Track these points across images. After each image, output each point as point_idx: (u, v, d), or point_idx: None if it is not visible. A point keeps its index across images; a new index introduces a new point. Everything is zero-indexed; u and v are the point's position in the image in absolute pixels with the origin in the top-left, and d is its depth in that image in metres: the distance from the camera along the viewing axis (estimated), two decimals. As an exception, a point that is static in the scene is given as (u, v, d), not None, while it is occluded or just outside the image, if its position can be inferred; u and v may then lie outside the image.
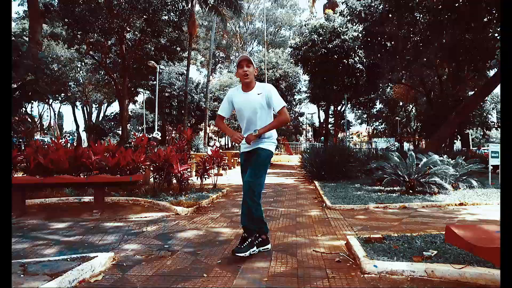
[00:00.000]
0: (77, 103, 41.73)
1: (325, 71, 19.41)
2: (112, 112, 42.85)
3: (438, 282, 2.50)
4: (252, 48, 60.80)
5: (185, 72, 34.52)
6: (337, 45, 18.56)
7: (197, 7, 26.44)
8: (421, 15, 11.72)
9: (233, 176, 11.84)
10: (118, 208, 5.77)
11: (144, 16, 19.94)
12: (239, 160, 3.55)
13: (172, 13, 21.34)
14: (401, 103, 41.23)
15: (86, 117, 43.40)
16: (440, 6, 10.73)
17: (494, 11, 10.68)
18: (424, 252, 3.01)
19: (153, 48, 24.37)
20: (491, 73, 19.69)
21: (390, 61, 15.09)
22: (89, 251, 3.37)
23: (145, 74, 27.12)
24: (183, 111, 31.36)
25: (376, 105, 44.38)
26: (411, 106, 41.16)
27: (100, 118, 42.97)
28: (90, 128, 38.72)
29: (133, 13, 19.88)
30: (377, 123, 52.71)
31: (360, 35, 16.96)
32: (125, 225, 4.70)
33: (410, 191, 7.29)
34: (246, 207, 3.25)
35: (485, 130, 23.07)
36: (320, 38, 19.42)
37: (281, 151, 28.11)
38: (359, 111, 47.06)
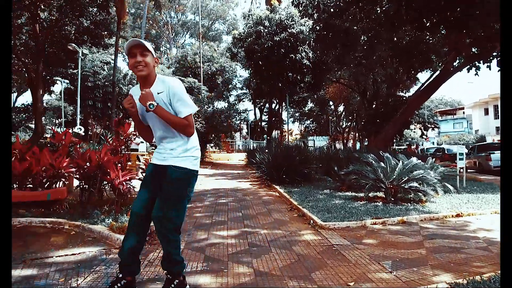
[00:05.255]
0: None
1: (270, 65, 18.40)
2: (23, 104, 37.55)
3: None
4: (185, 40, 58.42)
5: (111, 61, 31.27)
6: (284, 39, 17.66)
7: (127, -11, 23.80)
8: (380, 9, 11.22)
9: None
10: (29, 238, 3.94)
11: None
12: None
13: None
14: (331, 103, 42.32)
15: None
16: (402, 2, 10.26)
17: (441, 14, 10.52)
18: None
19: (73, 31, 21.25)
20: (422, 76, 20.48)
21: (342, 57, 14.56)
22: None
23: (63, 61, 23.64)
24: (109, 104, 28.25)
25: (308, 103, 45.17)
26: (341, 105, 42.42)
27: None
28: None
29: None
30: (309, 122, 53.92)
31: (308, 29, 16.21)
32: (40, 273, 2.98)
33: (392, 199, 6.44)
34: (165, 250, 2.48)
35: (423, 130, 24.10)
36: (266, 30, 18.37)
37: (220, 150, 26.67)
38: (292, 110, 47.50)
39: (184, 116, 2.38)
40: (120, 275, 2.48)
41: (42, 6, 18.57)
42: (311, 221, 4.94)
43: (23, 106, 36.94)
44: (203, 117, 19.69)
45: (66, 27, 20.57)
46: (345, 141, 43.75)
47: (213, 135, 21.09)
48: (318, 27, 13.87)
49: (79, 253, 3.55)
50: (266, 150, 11.81)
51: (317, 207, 5.73)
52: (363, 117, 28.39)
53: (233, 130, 33.12)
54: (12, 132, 29.52)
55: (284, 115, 36.62)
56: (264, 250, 3.68)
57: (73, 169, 5.30)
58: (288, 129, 35.76)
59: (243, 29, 20.55)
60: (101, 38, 22.44)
